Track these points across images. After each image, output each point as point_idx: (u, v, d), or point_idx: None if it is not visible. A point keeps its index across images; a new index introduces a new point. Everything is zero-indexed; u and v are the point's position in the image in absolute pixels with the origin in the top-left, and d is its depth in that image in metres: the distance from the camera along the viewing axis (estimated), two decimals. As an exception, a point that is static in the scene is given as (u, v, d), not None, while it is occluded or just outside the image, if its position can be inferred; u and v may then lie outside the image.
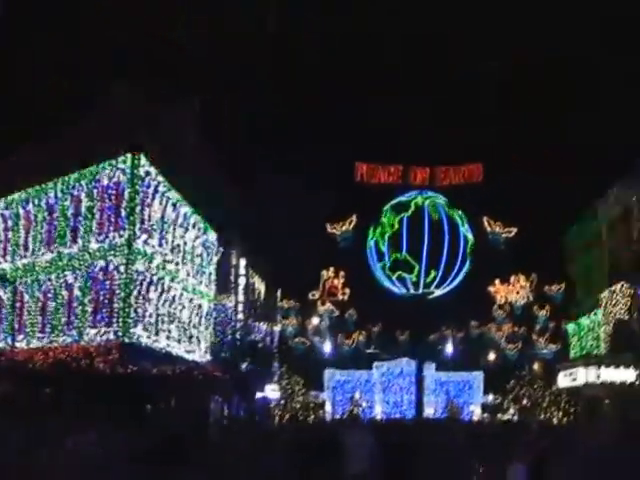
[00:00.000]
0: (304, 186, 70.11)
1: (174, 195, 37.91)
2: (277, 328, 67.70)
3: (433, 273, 75.27)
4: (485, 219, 76.50)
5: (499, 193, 72.89)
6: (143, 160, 33.13)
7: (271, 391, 58.96)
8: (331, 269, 78.03)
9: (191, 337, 41.93)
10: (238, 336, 49.03)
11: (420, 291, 75.32)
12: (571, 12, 49.73)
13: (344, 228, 76.81)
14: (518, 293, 76.40)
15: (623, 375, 41.23)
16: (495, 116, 66.76)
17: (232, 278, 50.17)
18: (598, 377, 41.84)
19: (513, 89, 59.99)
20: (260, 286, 60.44)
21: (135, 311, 33.26)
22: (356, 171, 77.55)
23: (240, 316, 50.79)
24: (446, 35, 60.90)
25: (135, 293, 33.26)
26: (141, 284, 33.96)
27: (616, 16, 44.75)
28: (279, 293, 72.23)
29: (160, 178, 35.28)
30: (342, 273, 78.00)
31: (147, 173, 33.75)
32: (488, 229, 76.45)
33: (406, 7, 59.63)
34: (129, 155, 32.66)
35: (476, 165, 77.20)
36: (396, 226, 74.54)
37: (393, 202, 76.74)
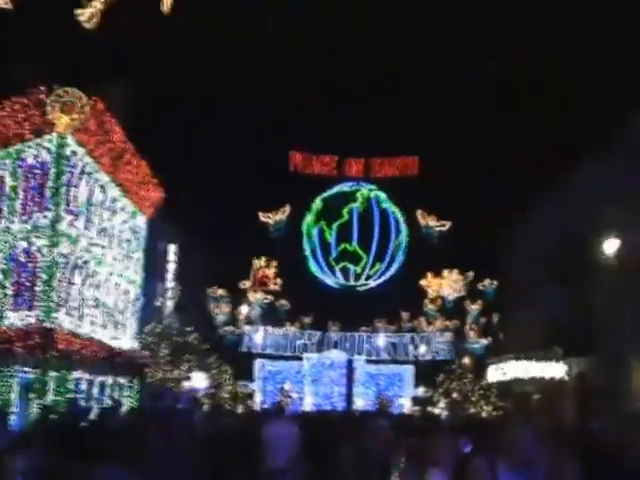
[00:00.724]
0: (237, 174, 69.62)
1: (102, 177, 36.90)
2: (207, 316, 66.77)
3: (378, 265, 75.57)
4: (419, 212, 76.51)
5: (434, 187, 73.02)
6: (69, 139, 32.06)
7: (200, 380, 58.08)
8: (263, 258, 77.60)
9: (117, 323, 40.90)
10: (166, 323, 48.22)
11: (356, 283, 75.49)
12: (571, 12, 49.63)
13: (277, 218, 76.39)
14: (450, 287, 76.41)
15: (552, 370, 41.30)
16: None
17: (161, 264, 49.35)
18: (527, 372, 41.81)
19: (504, 88, 59.96)
20: (190, 272, 59.39)
21: (58, 295, 32.21)
22: (290, 161, 77.24)
23: (169, 303, 49.95)
24: (446, 35, 60.65)
25: (58, 276, 32.19)
26: (65, 267, 32.91)
27: (616, 16, 44.68)
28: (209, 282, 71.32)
29: (87, 159, 34.24)
30: (274, 263, 77.63)
31: (73, 153, 32.68)
32: (422, 222, 76.49)
33: (407, 7, 59.27)
34: (55, 134, 31.56)
35: (411, 158, 77.25)
36: (345, 216, 74.66)
37: (334, 191, 76.79)
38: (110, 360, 36.68)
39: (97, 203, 36.61)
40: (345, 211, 75.16)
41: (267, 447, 16.39)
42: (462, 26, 60.35)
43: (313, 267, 77.33)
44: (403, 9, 60.15)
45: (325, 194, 77.59)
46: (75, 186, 33.11)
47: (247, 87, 66.34)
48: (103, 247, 38.05)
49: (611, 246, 32.74)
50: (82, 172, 33.95)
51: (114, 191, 39.24)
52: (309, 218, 76.92)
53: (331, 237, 75.32)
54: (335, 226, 75.06)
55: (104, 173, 36.88)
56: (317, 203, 77.37)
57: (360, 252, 75.21)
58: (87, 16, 16.51)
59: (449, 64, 63.82)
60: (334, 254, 75.39)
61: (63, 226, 32.18)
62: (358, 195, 76.13)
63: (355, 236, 75.11)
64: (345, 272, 75.90)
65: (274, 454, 16.16)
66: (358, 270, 75.87)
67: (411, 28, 61.82)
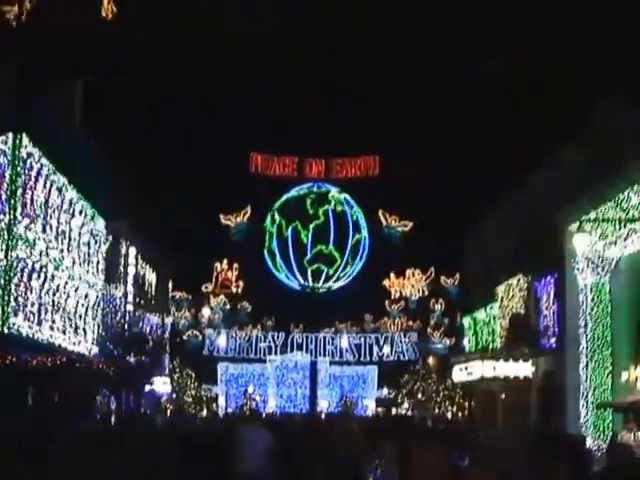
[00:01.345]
0: (198, 176, 69.06)
1: (59, 179, 36.01)
2: (169, 320, 66.11)
3: (349, 268, 75.62)
4: (380, 212, 76.34)
5: (396, 187, 72.93)
6: (25, 141, 31.14)
7: (162, 384, 57.34)
8: (224, 261, 77.19)
9: (77, 328, 40.02)
10: (126, 327, 47.42)
11: (321, 285, 75.37)
12: (571, 12, 49.52)
13: (238, 220, 75.97)
14: (413, 287, 76.29)
15: (519, 369, 41.03)
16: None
17: (121, 268, 48.52)
18: (494, 371, 41.50)
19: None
20: (151, 277, 58.63)
21: (15, 300, 31.29)
22: (251, 162, 76.82)
23: (130, 307, 49.15)
24: (446, 35, 60.49)
25: (15, 280, 31.26)
26: (22, 271, 32.01)
27: (616, 16, 44.52)
28: (171, 284, 70.62)
29: (44, 160, 33.32)
30: (235, 265, 77.20)
31: (29, 154, 31.77)
32: (384, 223, 76.31)
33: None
34: (10, 135, 30.59)
35: (372, 157, 77.02)
36: (321, 218, 74.57)
37: (302, 192, 76.65)
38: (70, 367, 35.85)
39: (55, 206, 35.69)
40: (321, 212, 75.12)
41: (240, 451, 16.02)
42: (462, 26, 60.38)
43: (278, 269, 76.98)
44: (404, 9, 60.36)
45: (286, 196, 77.35)
46: (31, 188, 32.19)
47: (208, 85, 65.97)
48: (62, 251, 37.17)
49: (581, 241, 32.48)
50: (39, 174, 33.02)
51: (72, 193, 38.34)
52: (269, 219, 76.65)
53: (307, 239, 75.14)
54: (312, 227, 74.87)
55: (61, 175, 35.96)
56: (278, 204, 77.16)
57: (335, 254, 75.24)
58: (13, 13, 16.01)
59: (449, 64, 63.68)
60: (309, 256, 75.28)
61: (19, 229, 31.24)
62: (330, 197, 76.13)
63: (331, 238, 75.12)
64: (318, 274, 75.78)
65: (244, 459, 15.79)
66: (331, 272, 75.83)
67: (411, 28, 61.81)
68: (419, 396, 66.36)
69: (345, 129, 72.85)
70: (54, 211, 35.68)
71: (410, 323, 75.90)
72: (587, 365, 33.55)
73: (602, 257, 32.73)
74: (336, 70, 69.07)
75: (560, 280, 37.05)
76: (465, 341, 57.68)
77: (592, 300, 33.46)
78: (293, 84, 68.87)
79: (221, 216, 76.25)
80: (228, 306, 75.88)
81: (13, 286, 30.85)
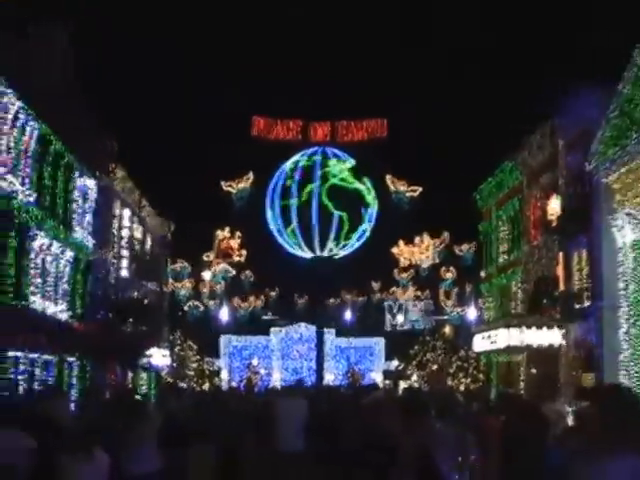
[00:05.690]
0: (198, 140, 66.93)
1: (41, 127, 32.32)
2: (167, 289, 63.13)
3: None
4: (388, 177, 73.78)
5: (405, 150, 70.95)
6: (-2, 78, 27.39)
7: (161, 357, 54.32)
8: (226, 229, 74.84)
9: (63, 294, 36.54)
10: (120, 294, 44.01)
11: (326, 253, 73.45)
12: None
13: (240, 186, 73.45)
14: (422, 254, 73.61)
15: (548, 337, 38.08)
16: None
17: (114, 230, 45.10)
18: (521, 339, 38.45)
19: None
20: (147, 241, 55.11)
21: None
22: (253, 125, 74.09)
23: (124, 272, 45.74)
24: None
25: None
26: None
27: None
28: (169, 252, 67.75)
29: (20, 103, 29.55)
30: (238, 233, 74.90)
31: (2, 94, 28.02)
32: (392, 188, 73.71)
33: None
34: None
35: (380, 120, 74.23)
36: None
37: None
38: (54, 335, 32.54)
39: (35, 156, 31.99)
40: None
41: (277, 423, 16.01)
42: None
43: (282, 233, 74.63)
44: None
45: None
46: (7, 134, 28.52)
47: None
48: (44, 208, 33.56)
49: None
50: (15, 117, 29.34)
51: (57, 144, 34.71)
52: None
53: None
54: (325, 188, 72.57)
55: (43, 122, 32.25)
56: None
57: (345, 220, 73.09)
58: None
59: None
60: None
61: (-7, 179, 27.59)
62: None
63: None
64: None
65: (286, 436, 15.68)
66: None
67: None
68: (430, 368, 63.63)
69: (351, 91, 70.50)
70: (35, 162, 31.99)
71: (420, 292, 73.43)
72: (628, 331, 30.59)
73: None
74: (341, 29, 66.41)
75: (595, 238, 33.98)
76: (480, 309, 55.14)
77: (634, 259, 30.49)
78: (296, 45, 66.13)
79: (222, 182, 73.38)
80: (231, 273, 73.45)
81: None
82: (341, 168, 74.36)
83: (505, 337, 39.43)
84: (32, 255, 32.15)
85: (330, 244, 73.19)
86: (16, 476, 7.77)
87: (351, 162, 74.79)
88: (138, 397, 21.99)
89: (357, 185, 73.73)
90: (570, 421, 13.90)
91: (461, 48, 62.94)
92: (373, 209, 73.96)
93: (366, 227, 73.99)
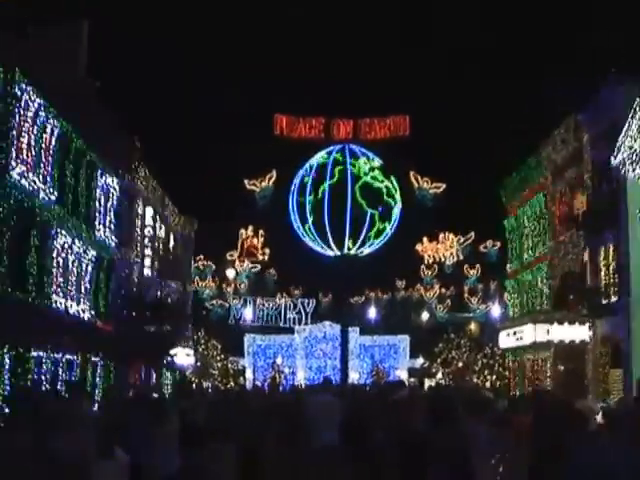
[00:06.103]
0: (221, 139, 66.70)
1: (62, 125, 32.09)
2: (191, 288, 62.97)
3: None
4: (412, 174, 73.16)
5: (427, 147, 70.49)
6: (19, 76, 27.15)
7: (185, 356, 54.16)
8: (250, 228, 74.38)
9: (85, 293, 36.33)
10: (143, 293, 43.81)
11: (349, 252, 72.64)
12: None
13: (263, 185, 73.08)
14: (447, 251, 73.04)
15: (575, 333, 37.63)
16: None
17: (137, 229, 44.91)
18: (548, 335, 38.02)
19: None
20: (170, 240, 54.92)
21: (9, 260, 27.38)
22: (275, 124, 73.62)
23: (147, 271, 45.54)
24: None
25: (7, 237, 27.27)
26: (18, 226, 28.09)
27: None
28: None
29: (40, 101, 29.33)
30: (261, 232, 74.50)
31: (23, 91, 27.75)
32: (415, 185, 73.10)
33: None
34: (0, 68, 26.50)
35: (402, 117, 73.65)
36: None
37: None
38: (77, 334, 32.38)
39: (56, 155, 31.75)
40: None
41: (310, 425, 15.59)
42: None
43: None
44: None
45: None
46: (28, 132, 28.28)
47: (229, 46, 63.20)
48: (66, 206, 33.36)
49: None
50: (36, 115, 29.11)
51: (78, 142, 34.51)
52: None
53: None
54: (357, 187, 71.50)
55: (63, 119, 32.04)
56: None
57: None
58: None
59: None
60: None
61: (14, 176, 27.28)
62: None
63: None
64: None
65: (319, 432, 15.21)
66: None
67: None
68: (455, 365, 63.34)
69: (374, 88, 70.13)
70: (56, 161, 31.76)
71: (444, 290, 72.80)
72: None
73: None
74: (365, 27, 66.09)
75: (621, 233, 33.54)
76: (505, 306, 54.67)
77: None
78: (319, 42, 65.80)
79: (245, 181, 73.02)
80: (256, 268, 73.08)
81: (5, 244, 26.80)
82: (371, 166, 73.77)
83: (531, 333, 39.09)
84: (54, 254, 31.97)
85: (358, 242, 72.57)
86: None
87: (379, 160, 74.18)
88: (156, 396, 21.70)
89: (387, 183, 73.00)
90: (599, 418, 13.61)
91: (460, 48, 62.80)
92: (398, 207, 73.38)
93: (387, 225, 73.33)
